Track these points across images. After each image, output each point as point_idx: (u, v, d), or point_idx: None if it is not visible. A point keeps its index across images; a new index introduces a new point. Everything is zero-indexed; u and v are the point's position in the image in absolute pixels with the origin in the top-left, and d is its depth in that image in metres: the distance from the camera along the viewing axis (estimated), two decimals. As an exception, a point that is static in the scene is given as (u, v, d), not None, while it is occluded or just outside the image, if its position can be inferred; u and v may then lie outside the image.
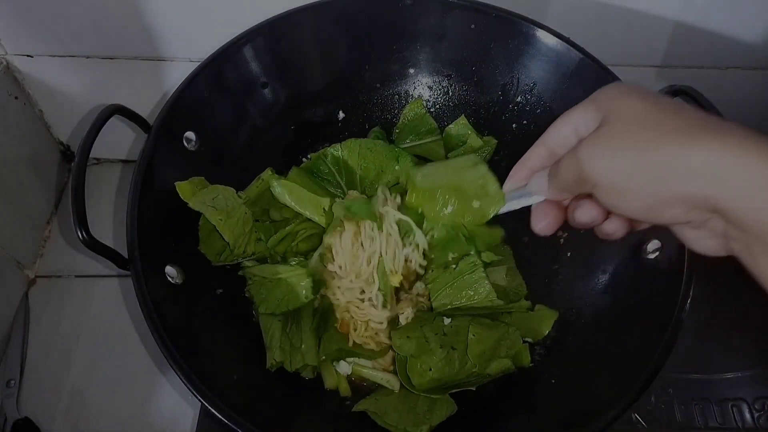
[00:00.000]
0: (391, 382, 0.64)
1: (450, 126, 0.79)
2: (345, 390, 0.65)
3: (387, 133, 0.79)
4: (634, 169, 0.34)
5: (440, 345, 0.62)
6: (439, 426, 0.60)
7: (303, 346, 0.63)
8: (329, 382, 0.65)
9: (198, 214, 0.64)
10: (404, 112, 0.79)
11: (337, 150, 0.74)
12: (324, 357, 0.64)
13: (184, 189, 0.62)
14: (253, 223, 0.68)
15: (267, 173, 0.69)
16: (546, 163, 0.43)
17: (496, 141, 0.77)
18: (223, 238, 0.64)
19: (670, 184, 0.33)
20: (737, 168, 0.31)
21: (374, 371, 0.66)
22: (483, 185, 0.54)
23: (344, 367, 0.66)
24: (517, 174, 0.46)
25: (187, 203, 0.62)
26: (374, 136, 0.78)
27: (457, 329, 0.64)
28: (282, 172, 0.77)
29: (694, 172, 0.32)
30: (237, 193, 0.68)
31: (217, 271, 0.67)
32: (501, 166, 0.79)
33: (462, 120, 0.78)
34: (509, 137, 0.78)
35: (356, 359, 0.66)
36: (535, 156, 0.44)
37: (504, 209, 0.50)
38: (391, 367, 0.67)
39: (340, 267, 0.65)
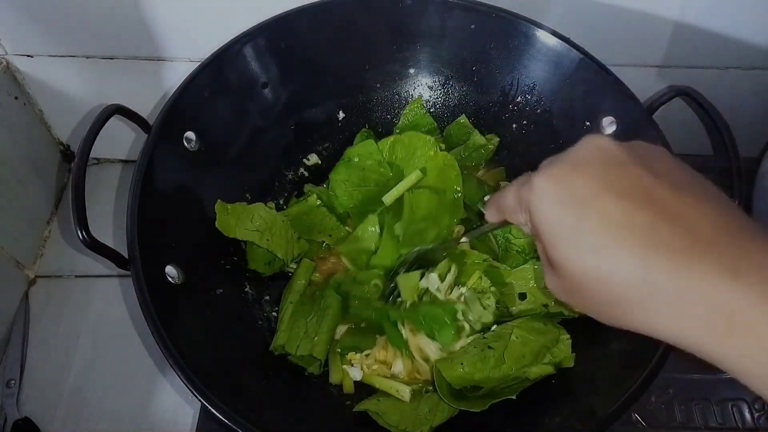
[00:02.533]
0: (400, 391, 0.63)
1: (450, 125, 0.79)
2: (348, 387, 0.65)
3: (388, 133, 0.79)
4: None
5: (474, 345, 0.63)
6: (439, 426, 0.60)
7: (316, 338, 0.64)
8: (335, 377, 0.65)
9: (199, 214, 0.64)
10: (405, 112, 0.79)
11: None
12: (339, 349, 0.65)
13: (225, 225, 0.65)
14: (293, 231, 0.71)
15: (313, 199, 0.71)
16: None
17: (499, 139, 0.77)
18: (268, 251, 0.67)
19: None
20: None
21: (386, 380, 0.65)
22: None
23: (355, 373, 0.65)
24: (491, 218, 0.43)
25: (186, 204, 0.62)
26: (362, 137, 0.78)
27: (500, 334, 0.63)
28: (282, 171, 0.78)
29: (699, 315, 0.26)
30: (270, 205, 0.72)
31: (217, 271, 0.67)
32: (501, 165, 0.79)
33: (462, 119, 0.78)
34: (509, 137, 0.78)
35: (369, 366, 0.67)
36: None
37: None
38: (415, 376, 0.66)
39: None
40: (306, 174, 0.79)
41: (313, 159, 0.79)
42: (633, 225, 0.28)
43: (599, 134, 0.32)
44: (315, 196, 0.72)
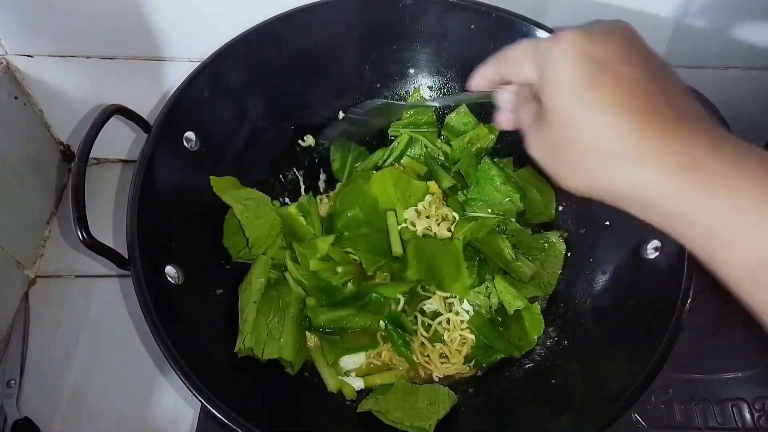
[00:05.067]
0: (394, 374, 0.65)
1: (451, 115, 0.79)
2: (350, 393, 0.65)
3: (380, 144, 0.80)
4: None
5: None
6: (441, 424, 0.60)
7: (282, 339, 0.63)
8: (332, 385, 0.64)
9: (199, 215, 0.64)
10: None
11: None
12: (330, 362, 0.65)
13: (218, 184, 0.67)
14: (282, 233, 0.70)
15: (293, 208, 0.72)
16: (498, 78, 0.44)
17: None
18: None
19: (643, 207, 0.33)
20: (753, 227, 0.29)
21: (383, 374, 0.66)
22: None
23: (357, 383, 0.65)
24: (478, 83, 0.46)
25: (187, 204, 0.62)
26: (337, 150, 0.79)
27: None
28: (282, 172, 0.78)
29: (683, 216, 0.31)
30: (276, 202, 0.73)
31: (217, 271, 0.67)
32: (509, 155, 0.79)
33: (463, 108, 0.78)
34: (510, 137, 0.78)
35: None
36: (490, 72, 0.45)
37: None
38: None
39: None
40: (305, 174, 0.79)
41: (308, 140, 0.79)
42: (639, 91, 0.32)
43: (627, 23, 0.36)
44: (294, 206, 0.72)
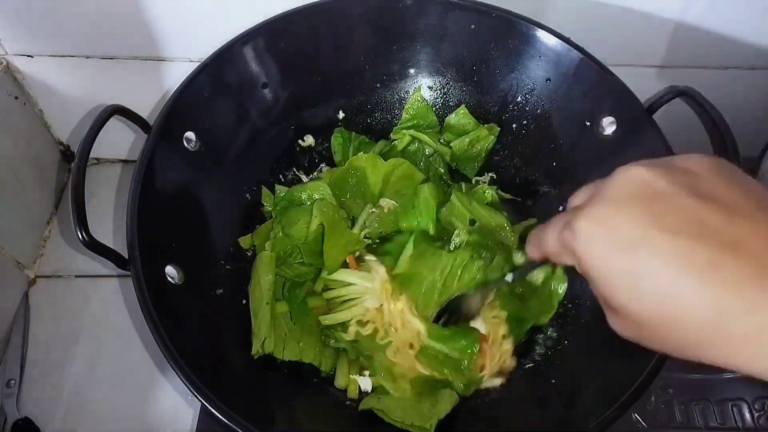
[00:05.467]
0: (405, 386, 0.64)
1: (450, 116, 0.78)
2: (353, 392, 0.64)
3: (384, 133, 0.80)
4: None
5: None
6: (442, 423, 0.60)
7: (301, 342, 0.63)
8: (340, 381, 0.64)
9: (199, 214, 0.64)
10: (406, 106, 0.79)
11: None
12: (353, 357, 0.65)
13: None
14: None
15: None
16: None
17: (499, 128, 0.77)
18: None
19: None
20: None
21: (396, 382, 0.65)
22: None
23: (366, 383, 0.65)
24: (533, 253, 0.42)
25: (186, 203, 0.61)
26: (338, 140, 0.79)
27: None
28: (282, 172, 0.78)
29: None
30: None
31: (217, 271, 0.67)
32: (501, 165, 0.79)
33: (462, 110, 0.77)
34: (509, 137, 0.78)
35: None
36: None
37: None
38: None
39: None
40: (305, 173, 0.79)
41: (308, 140, 0.79)
42: (693, 262, 0.26)
43: (632, 164, 0.30)
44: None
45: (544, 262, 0.41)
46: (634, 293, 0.28)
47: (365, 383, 0.65)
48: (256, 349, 0.62)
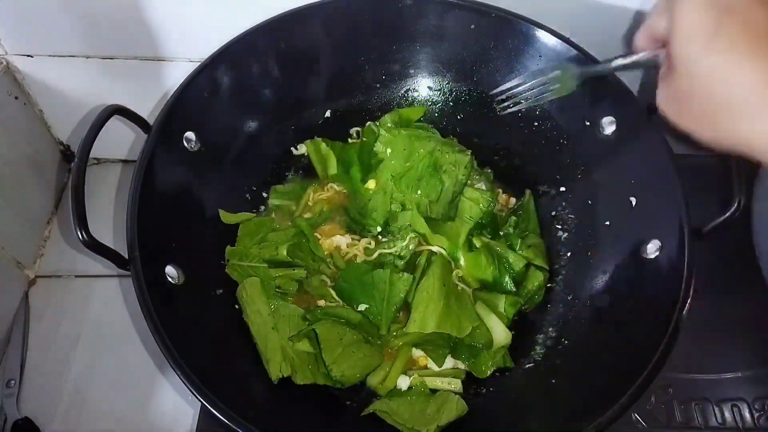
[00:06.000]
0: (453, 383, 0.65)
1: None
2: (384, 389, 0.64)
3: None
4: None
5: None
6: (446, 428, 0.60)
7: (311, 366, 0.62)
8: (387, 383, 0.64)
9: (199, 215, 0.64)
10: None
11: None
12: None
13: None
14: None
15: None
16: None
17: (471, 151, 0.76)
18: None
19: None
20: None
21: (437, 378, 0.65)
22: None
23: (403, 382, 0.65)
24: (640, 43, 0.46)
25: (186, 204, 0.61)
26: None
27: None
28: (282, 172, 0.78)
29: None
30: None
31: (217, 272, 0.67)
32: (501, 165, 0.79)
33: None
34: (509, 137, 0.78)
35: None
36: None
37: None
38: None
39: None
40: (306, 173, 0.79)
41: (301, 149, 0.79)
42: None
43: None
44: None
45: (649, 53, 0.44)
46: (709, 45, 0.31)
47: (403, 383, 0.65)
48: (276, 375, 0.60)
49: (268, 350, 0.62)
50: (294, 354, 0.62)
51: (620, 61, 0.52)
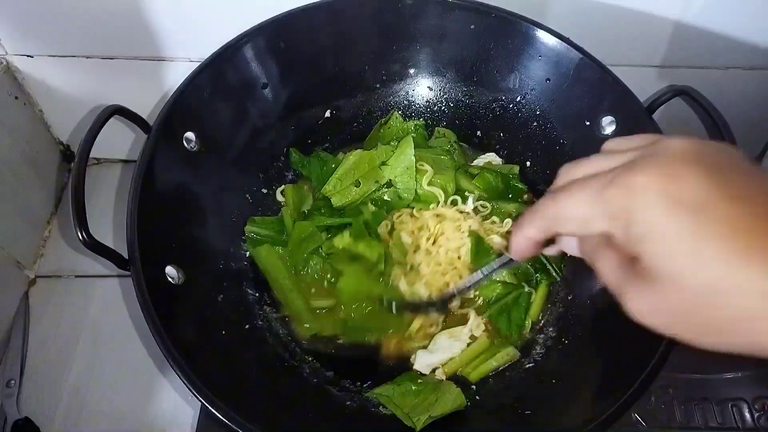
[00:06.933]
0: (508, 353, 0.66)
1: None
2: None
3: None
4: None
5: None
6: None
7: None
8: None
9: (199, 215, 0.64)
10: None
11: None
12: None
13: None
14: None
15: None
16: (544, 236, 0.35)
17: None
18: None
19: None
20: None
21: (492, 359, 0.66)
22: None
23: (427, 359, 0.65)
24: (521, 250, 0.37)
25: (186, 204, 0.61)
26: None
27: None
28: (282, 172, 0.78)
29: None
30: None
31: (217, 272, 0.67)
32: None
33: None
34: (509, 136, 0.78)
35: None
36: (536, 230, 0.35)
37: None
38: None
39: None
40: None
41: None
42: (753, 227, 0.26)
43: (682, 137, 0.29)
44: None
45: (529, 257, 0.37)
46: (695, 258, 0.26)
47: (426, 359, 0.65)
48: (305, 333, 0.67)
49: (292, 312, 0.68)
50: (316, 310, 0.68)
51: (498, 266, 0.47)
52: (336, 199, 0.72)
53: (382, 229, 0.71)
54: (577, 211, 0.31)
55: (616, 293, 0.31)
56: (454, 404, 0.61)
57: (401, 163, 0.72)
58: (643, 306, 0.30)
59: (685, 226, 0.26)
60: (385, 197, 0.73)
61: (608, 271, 0.31)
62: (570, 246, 0.36)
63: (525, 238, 0.35)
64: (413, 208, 0.74)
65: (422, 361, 0.65)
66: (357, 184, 0.72)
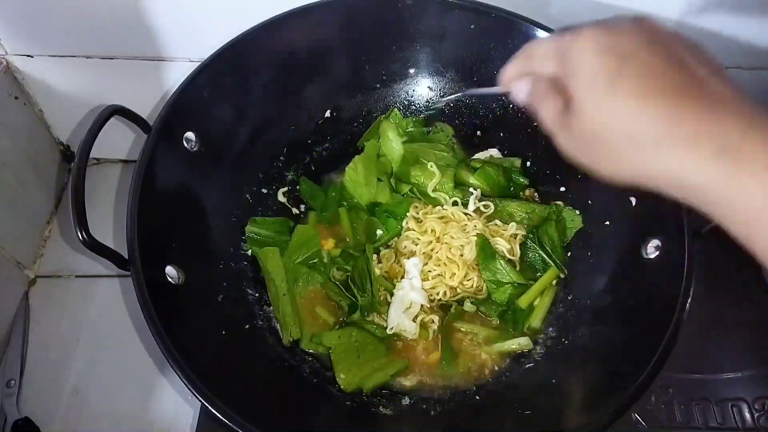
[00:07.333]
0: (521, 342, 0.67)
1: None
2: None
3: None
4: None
5: None
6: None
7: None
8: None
9: (199, 215, 0.64)
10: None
11: None
12: None
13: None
14: None
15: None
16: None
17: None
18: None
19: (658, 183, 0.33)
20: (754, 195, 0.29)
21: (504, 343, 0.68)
22: None
23: (407, 325, 0.68)
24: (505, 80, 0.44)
25: (186, 203, 0.62)
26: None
27: None
28: (282, 172, 0.78)
29: (692, 188, 0.31)
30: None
31: (217, 272, 0.67)
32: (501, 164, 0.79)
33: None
34: (509, 136, 0.78)
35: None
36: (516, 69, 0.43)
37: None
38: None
39: None
40: (304, 173, 0.79)
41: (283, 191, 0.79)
42: (668, 78, 0.32)
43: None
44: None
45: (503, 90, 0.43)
46: (609, 90, 0.33)
47: (407, 325, 0.67)
48: (287, 339, 0.66)
49: (282, 315, 0.67)
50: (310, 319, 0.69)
51: (480, 91, 0.54)
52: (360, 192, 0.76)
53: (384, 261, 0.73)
54: (540, 49, 0.39)
55: (552, 133, 0.38)
56: (394, 368, 0.65)
57: (393, 153, 0.77)
58: (561, 135, 0.37)
59: (610, 65, 0.33)
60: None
61: (548, 114, 0.38)
62: (523, 93, 0.42)
63: (508, 72, 0.43)
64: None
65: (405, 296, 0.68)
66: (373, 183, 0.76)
